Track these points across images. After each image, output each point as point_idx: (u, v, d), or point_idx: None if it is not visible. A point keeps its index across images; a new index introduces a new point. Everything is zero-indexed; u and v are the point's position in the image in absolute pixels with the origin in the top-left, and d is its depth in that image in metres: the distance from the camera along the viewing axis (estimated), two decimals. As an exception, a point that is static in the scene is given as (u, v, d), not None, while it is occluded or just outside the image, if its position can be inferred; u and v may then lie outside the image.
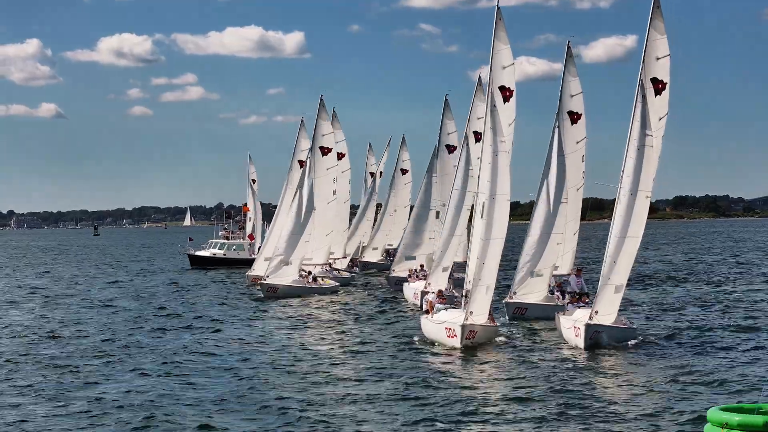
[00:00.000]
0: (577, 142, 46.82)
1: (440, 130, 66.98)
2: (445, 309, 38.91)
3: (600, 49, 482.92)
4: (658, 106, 35.85)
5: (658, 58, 35.75)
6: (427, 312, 39.96)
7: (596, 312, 35.43)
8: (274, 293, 59.88)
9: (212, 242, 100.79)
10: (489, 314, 37.52)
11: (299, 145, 75.87)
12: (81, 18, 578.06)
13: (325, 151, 68.32)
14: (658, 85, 35.82)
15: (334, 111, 74.59)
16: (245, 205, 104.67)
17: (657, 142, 35.80)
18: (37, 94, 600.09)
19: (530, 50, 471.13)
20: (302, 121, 76.17)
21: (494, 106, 38.06)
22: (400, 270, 63.18)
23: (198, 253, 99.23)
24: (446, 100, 67.33)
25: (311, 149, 67.01)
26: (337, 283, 65.61)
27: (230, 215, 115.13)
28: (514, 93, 40.17)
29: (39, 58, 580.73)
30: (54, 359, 35.59)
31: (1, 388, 30.06)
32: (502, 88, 39.61)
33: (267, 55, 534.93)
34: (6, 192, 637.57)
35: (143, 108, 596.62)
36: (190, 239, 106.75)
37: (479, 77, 51.32)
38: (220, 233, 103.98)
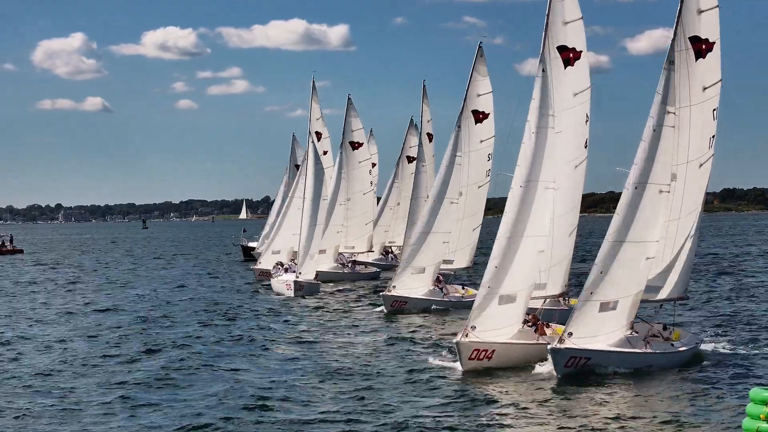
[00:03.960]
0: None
1: (421, 117, 63.65)
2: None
3: (645, 42, 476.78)
4: (702, 71, 29.49)
5: (701, 11, 29.31)
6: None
7: (569, 334, 29.11)
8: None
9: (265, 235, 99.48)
10: (539, 327, 32.04)
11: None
12: (125, 11, 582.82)
13: (318, 136, 65.66)
14: (701, 46, 29.32)
15: (349, 98, 71.44)
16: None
17: (704, 116, 29.62)
18: (82, 88, 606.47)
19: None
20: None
21: (544, 70, 31.47)
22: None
23: (251, 245, 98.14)
24: (424, 86, 64.04)
25: (309, 133, 63.98)
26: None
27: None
28: (583, 54, 32.47)
29: (84, 51, 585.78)
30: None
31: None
32: (563, 49, 32.11)
33: (312, 47, 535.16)
34: (54, 186, 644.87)
35: (189, 101, 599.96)
36: (244, 230, 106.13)
37: (479, 46, 46.19)
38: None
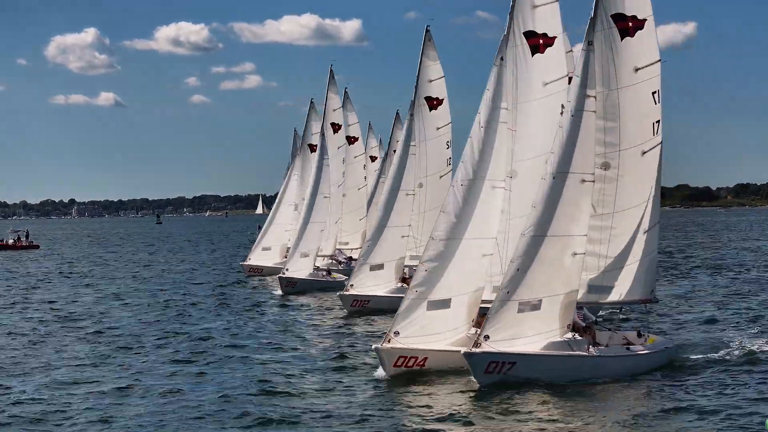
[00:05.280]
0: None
1: None
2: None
3: (658, 37, 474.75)
4: (632, 51, 27.14)
5: None
6: None
7: (485, 337, 26.43)
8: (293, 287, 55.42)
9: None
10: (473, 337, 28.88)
11: (309, 128, 70.91)
12: (138, 7, 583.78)
13: (336, 128, 62.56)
14: (627, 24, 26.96)
15: (346, 92, 68.63)
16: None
17: (639, 100, 27.14)
18: (95, 83, 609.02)
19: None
20: (312, 102, 70.71)
21: (502, 59, 28.93)
22: None
23: None
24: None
25: (322, 127, 60.86)
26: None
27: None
28: (558, 40, 29.44)
29: (97, 46, 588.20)
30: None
31: None
32: (531, 35, 29.26)
33: (325, 43, 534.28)
34: (67, 181, 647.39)
35: (202, 96, 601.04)
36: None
37: (427, 29, 43.34)
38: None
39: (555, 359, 26.96)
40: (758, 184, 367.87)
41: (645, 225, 28.39)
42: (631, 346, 29.12)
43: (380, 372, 28.63)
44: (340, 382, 28.18)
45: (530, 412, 23.96)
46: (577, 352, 27.34)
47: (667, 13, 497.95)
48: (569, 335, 27.75)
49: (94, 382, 28.72)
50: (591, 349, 27.72)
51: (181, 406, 25.25)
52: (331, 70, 60.76)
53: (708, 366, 29.45)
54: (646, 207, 28.26)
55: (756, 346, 32.26)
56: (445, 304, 28.84)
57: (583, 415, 23.72)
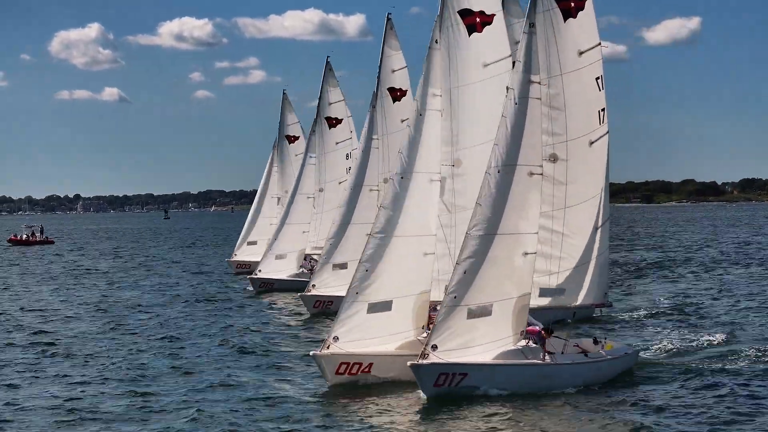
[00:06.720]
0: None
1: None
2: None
3: (663, 32, 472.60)
4: (574, 34, 25.78)
5: None
6: None
7: (434, 347, 24.41)
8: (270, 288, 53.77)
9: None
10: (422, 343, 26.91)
11: (285, 119, 68.96)
12: (141, 2, 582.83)
13: (332, 122, 59.69)
14: (569, 4, 25.68)
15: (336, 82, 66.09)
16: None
17: (584, 86, 25.54)
18: (99, 78, 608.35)
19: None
20: (284, 93, 68.82)
21: (436, 41, 26.86)
22: None
23: None
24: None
25: (315, 121, 58.31)
26: None
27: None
28: (497, 18, 27.27)
29: (101, 42, 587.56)
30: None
31: None
32: (466, 13, 27.16)
33: (329, 38, 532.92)
34: (72, 176, 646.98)
35: (206, 92, 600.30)
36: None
37: (388, 17, 40.75)
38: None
39: (509, 369, 25.08)
40: (764, 178, 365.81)
41: (597, 221, 26.42)
42: (588, 353, 27.20)
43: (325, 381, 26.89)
44: (281, 391, 26.68)
45: (485, 423, 22.54)
46: (532, 361, 25.50)
47: (671, 8, 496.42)
48: (523, 342, 25.93)
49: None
50: (546, 357, 25.88)
51: (100, 415, 24.07)
52: (327, 62, 57.49)
53: (671, 370, 27.96)
54: (598, 202, 26.39)
55: (718, 348, 31.08)
56: (386, 306, 27.02)
57: (542, 426, 22.34)
